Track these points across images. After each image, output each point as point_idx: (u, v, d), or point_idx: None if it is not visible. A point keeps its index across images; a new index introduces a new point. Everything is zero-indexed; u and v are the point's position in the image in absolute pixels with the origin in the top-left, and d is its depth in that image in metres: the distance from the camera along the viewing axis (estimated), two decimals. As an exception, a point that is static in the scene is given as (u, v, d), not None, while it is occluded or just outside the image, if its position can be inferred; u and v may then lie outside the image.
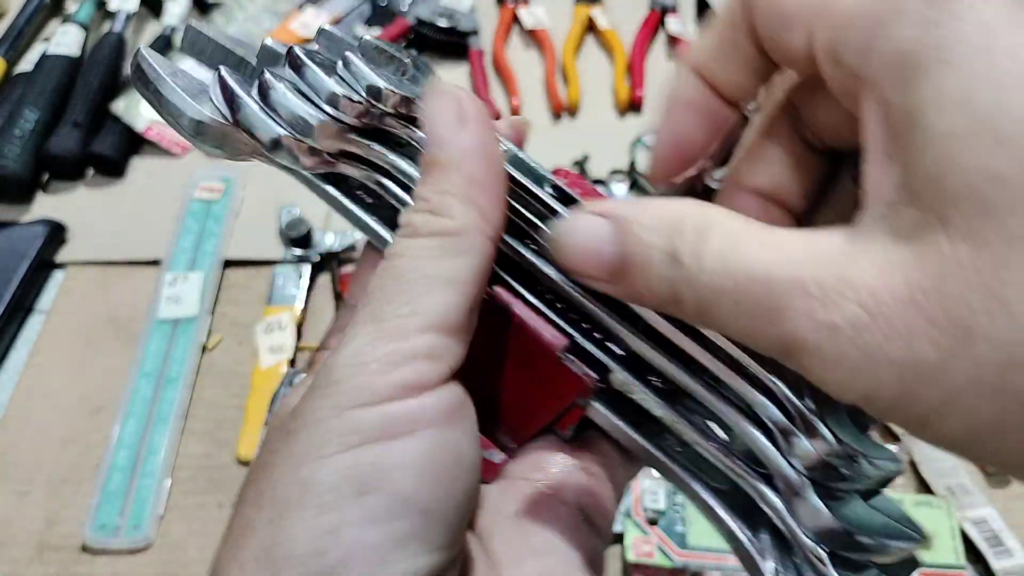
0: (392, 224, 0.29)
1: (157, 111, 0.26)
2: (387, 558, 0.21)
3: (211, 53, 0.29)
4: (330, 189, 0.30)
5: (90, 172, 0.82)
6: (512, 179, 0.26)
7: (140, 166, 0.83)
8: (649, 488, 0.60)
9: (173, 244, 0.75)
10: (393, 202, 0.28)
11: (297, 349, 0.69)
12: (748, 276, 0.19)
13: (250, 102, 0.26)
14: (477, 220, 0.24)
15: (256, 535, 0.22)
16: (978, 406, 0.17)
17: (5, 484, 0.63)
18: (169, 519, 0.61)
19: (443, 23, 0.92)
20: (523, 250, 0.26)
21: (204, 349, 0.70)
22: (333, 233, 0.75)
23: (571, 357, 0.27)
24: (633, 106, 0.88)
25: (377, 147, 0.27)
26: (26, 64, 0.89)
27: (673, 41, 0.94)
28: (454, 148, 0.24)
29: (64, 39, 0.87)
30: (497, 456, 0.29)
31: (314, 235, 0.75)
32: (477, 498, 0.24)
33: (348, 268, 0.75)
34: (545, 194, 0.26)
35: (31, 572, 0.58)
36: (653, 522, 0.58)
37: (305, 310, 0.72)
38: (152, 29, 0.94)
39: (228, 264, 0.75)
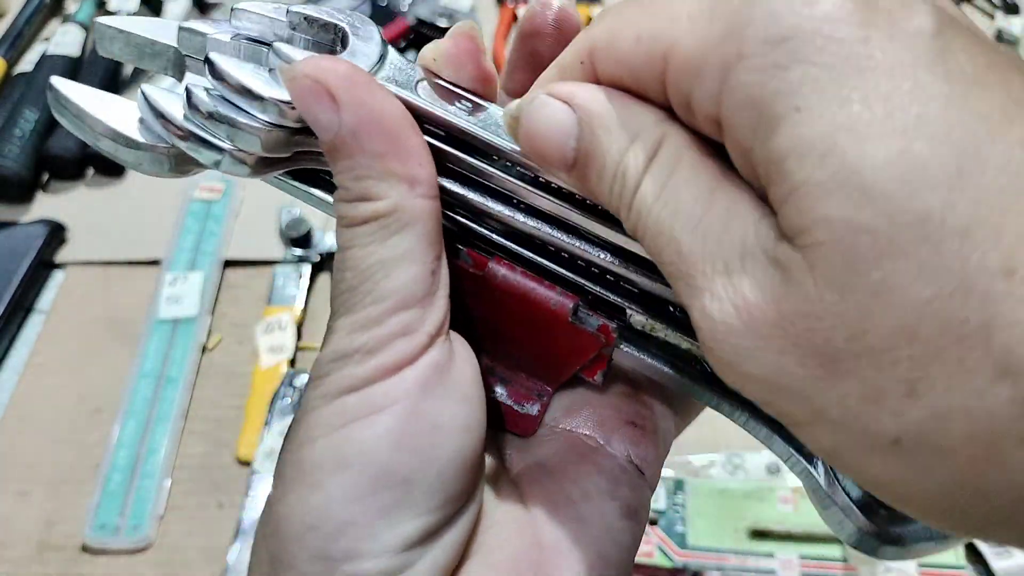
0: None
1: (93, 145, 0.26)
2: (374, 529, 0.22)
3: (127, 50, 0.27)
4: (298, 184, 0.28)
5: (90, 172, 0.82)
6: (432, 118, 0.25)
7: (140, 166, 0.83)
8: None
9: (173, 244, 0.75)
10: None
11: (297, 349, 0.69)
12: (670, 234, 0.20)
13: (184, 123, 0.25)
14: (402, 190, 0.23)
15: (270, 514, 0.24)
16: (841, 428, 0.18)
17: (5, 484, 0.63)
18: (169, 519, 0.61)
19: (443, 23, 0.92)
20: (497, 175, 0.25)
21: (204, 349, 0.70)
22: (333, 233, 0.75)
23: (582, 316, 0.27)
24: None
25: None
26: (26, 64, 0.89)
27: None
28: (342, 130, 0.23)
29: (64, 39, 0.87)
30: (534, 408, 0.29)
31: (314, 235, 0.75)
32: (475, 458, 0.24)
33: (348, 268, 0.75)
34: (464, 119, 0.25)
35: (31, 572, 0.58)
36: (653, 522, 0.58)
37: (305, 310, 0.72)
38: (152, 29, 0.94)
39: (228, 264, 0.75)
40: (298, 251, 0.75)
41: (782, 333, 0.18)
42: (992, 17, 0.96)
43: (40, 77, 0.83)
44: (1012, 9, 0.95)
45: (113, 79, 0.86)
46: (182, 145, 0.25)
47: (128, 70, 0.88)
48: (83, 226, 0.78)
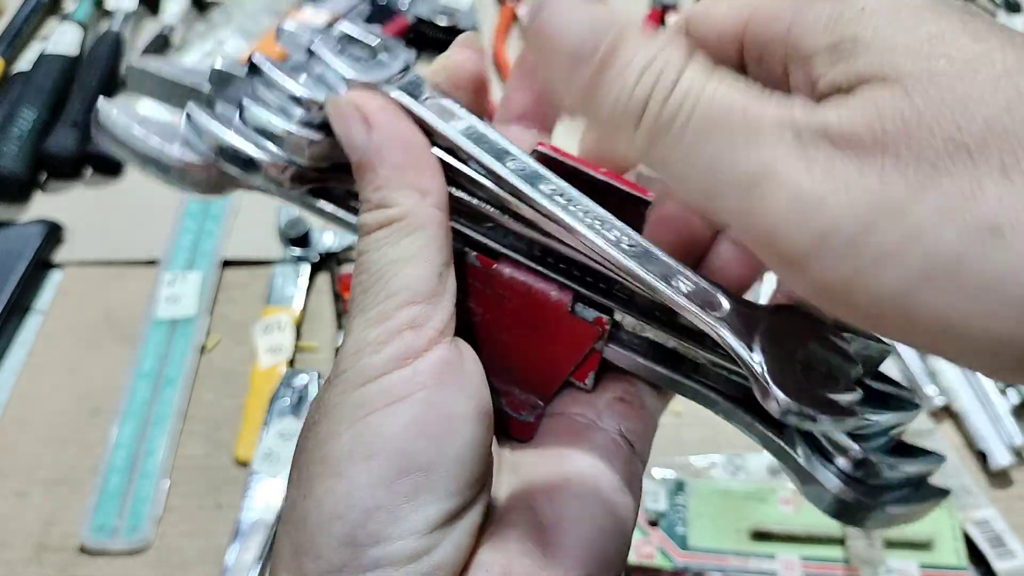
0: None
1: (132, 164, 0.28)
2: (399, 513, 0.24)
3: (158, 89, 0.30)
4: (323, 204, 0.31)
5: (88, 172, 0.82)
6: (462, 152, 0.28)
7: (138, 165, 0.83)
8: (650, 489, 0.59)
9: (171, 244, 0.75)
10: None
11: (296, 349, 0.69)
12: (727, 104, 0.20)
13: (228, 135, 0.27)
14: (415, 199, 0.26)
15: (295, 510, 0.25)
16: (939, 239, 0.18)
17: (3, 485, 0.62)
18: (167, 520, 0.61)
19: (442, 21, 0.92)
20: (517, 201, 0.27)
21: (202, 349, 0.70)
22: (332, 233, 0.75)
23: (579, 309, 0.29)
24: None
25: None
26: (24, 63, 0.88)
27: (673, 40, 0.94)
28: (370, 149, 0.27)
29: (62, 38, 0.87)
30: (530, 416, 0.31)
31: (313, 235, 0.75)
32: (487, 446, 0.26)
33: (347, 268, 0.75)
34: (506, 171, 0.27)
35: (29, 573, 0.58)
36: (654, 523, 0.58)
37: (304, 310, 0.72)
38: (150, 27, 0.94)
39: (226, 264, 0.75)
40: (297, 251, 0.74)
41: (881, 148, 0.19)
42: (993, 16, 0.96)
43: (38, 76, 0.83)
44: (1014, 8, 0.95)
45: (111, 79, 0.86)
46: (225, 164, 0.28)
47: (125, 69, 0.88)
48: (81, 226, 0.78)
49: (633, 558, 0.56)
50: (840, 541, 0.58)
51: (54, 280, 0.75)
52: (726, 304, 0.26)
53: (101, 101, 0.27)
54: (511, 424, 0.30)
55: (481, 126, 0.28)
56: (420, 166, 0.27)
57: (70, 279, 0.75)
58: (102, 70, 0.85)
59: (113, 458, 0.62)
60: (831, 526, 0.57)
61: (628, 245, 0.26)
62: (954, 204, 0.18)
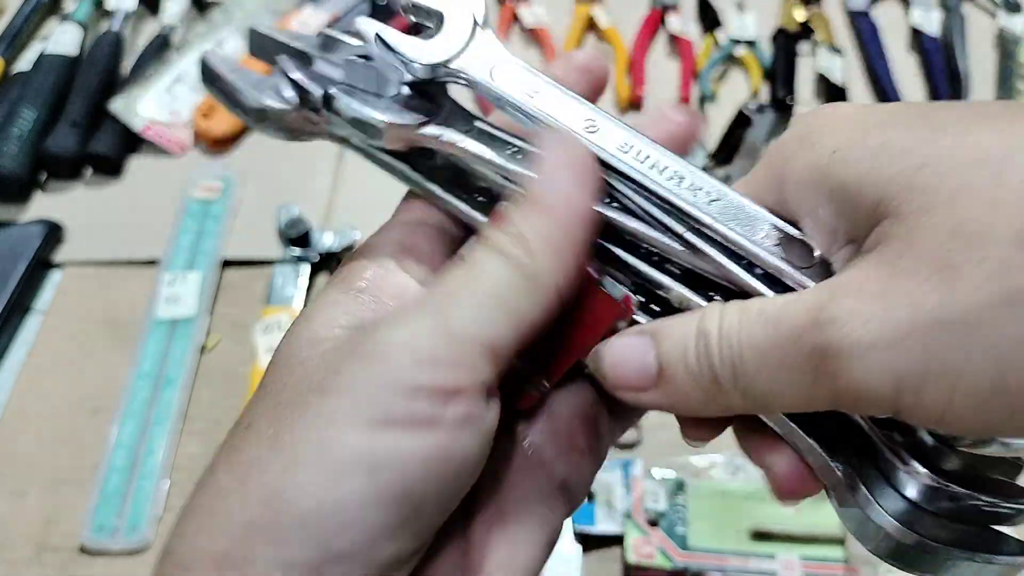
0: (471, 200, 0.29)
1: (226, 106, 0.29)
2: (378, 541, 0.22)
3: (273, 50, 0.31)
4: (405, 168, 0.30)
5: (88, 171, 0.82)
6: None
7: (138, 165, 0.83)
8: (650, 489, 0.59)
9: (171, 244, 0.75)
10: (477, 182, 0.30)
11: (296, 349, 0.69)
12: (776, 320, 0.22)
13: (341, 95, 0.27)
14: (554, 270, 0.24)
15: (267, 475, 0.22)
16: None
17: (3, 485, 0.63)
18: (167, 520, 0.61)
19: (443, 22, 0.92)
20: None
21: (202, 349, 0.70)
22: (332, 233, 0.75)
23: (607, 283, 0.27)
24: (633, 104, 0.87)
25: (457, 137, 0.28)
26: (24, 63, 0.88)
27: (674, 40, 0.94)
28: (560, 195, 0.25)
29: (62, 38, 0.87)
30: (535, 392, 0.29)
31: (313, 235, 0.75)
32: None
33: (347, 268, 0.75)
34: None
35: (29, 573, 0.58)
36: (654, 523, 0.58)
37: (304, 310, 0.72)
38: (150, 27, 0.94)
39: (226, 264, 0.75)
40: (297, 251, 0.74)
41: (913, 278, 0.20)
42: (993, 16, 0.96)
43: (38, 76, 0.83)
44: (1014, 8, 0.95)
45: (111, 79, 0.86)
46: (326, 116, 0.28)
47: (126, 70, 0.88)
48: (81, 226, 0.78)
49: (633, 558, 0.56)
50: (840, 541, 0.57)
51: (54, 280, 0.75)
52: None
53: (208, 54, 0.29)
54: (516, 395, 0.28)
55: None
56: (578, 248, 0.25)
57: (70, 279, 0.75)
58: (102, 70, 0.85)
59: (113, 458, 0.62)
60: (831, 526, 0.57)
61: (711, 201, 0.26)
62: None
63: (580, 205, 0.25)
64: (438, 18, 0.29)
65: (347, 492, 0.22)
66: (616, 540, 0.58)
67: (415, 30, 0.29)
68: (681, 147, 0.28)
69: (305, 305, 0.72)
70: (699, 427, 0.27)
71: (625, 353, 0.25)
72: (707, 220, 0.25)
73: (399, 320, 0.24)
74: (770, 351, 0.22)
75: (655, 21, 0.95)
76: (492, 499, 0.27)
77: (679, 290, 0.26)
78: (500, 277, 0.24)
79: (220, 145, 0.83)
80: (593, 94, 0.30)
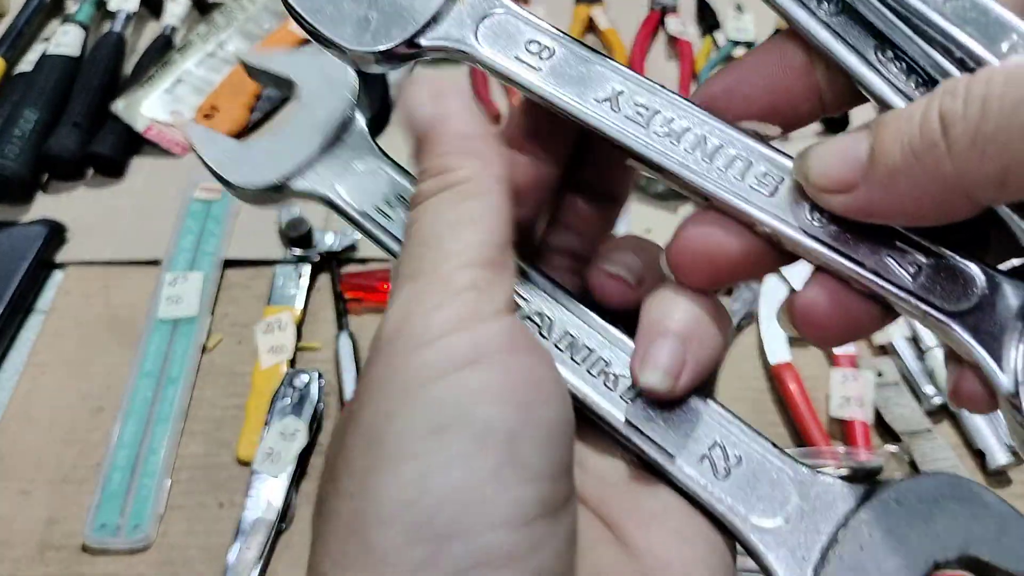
0: None
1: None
2: (485, 493, 0.20)
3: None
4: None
5: (90, 172, 0.82)
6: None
7: (140, 166, 0.83)
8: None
9: (173, 244, 0.75)
10: None
11: (297, 349, 0.69)
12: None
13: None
14: (479, 166, 0.24)
15: (340, 516, 0.21)
16: None
17: (6, 484, 0.63)
18: (169, 519, 0.61)
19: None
20: None
21: (204, 349, 0.70)
22: (333, 233, 0.75)
23: None
24: (633, 106, 0.88)
25: None
26: (26, 64, 0.88)
27: (673, 41, 0.94)
28: (436, 116, 0.25)
29: (64, 39, 0.87)
30: None
31: (314, 235, 0.75)
32: (571, 435, 0.23)
33: (348, 268, 0.75)
34: None
35: (32, 572, 0.58)
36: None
37: (305, 310, 0.72)
38: (152, 29, 0.94)
39: (228, 264, 0.75)
40: (298, 251, 0.75)
41: None
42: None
43: (40, 77, 0.83)
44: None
45: (113, 80, 0.86)
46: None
47: (128, 71, 0.88)
48: (83, 226, 0.78)
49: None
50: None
51: (56, 280, 0.75)
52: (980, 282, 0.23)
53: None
54: None
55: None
56: (488, 138, 0.25)
57: (72, 279, 0.75)
58: (104, 71, 0.85)
59: (115, 457, 0.62)
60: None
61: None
62: None
63: (457, 109, 0.25)
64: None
65: (421, 467, 0.20)
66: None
67: None
68: None
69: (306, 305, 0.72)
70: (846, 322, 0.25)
71: (834, 146, 0.23)
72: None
73: (387, 310, 0.23)
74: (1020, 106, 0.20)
75: (654, 22, 0.95)
76: (626, 497, 0.26)
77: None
78: (441, 207, 0.24)
79: (221, 146, 0.84)
80: None
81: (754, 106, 0.26)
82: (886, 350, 0.70)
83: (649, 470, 0.26)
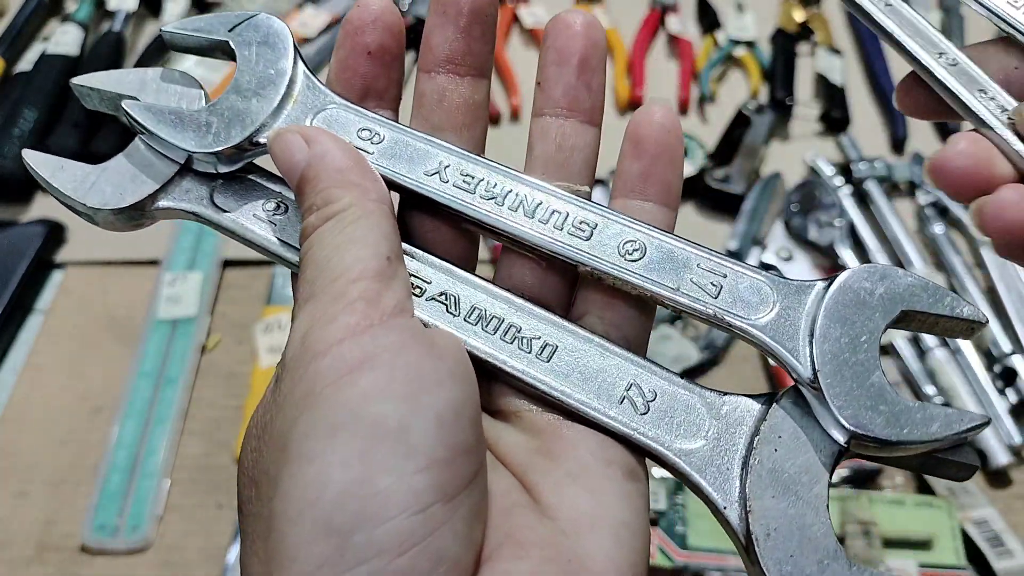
0: None
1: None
2: (380, 486, 0.21)
3: (101, 104, 0.37)
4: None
5: (89, 172, 0.82)
6: None
7: (139, 166, 0.83)
8: (650, 489, 0.59)
9: (172, 244, 0.75)
10: None
11: (296, 349, 0.69)
12: None
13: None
14: (357, 193, 0.27)
15: (261, 518, 0.23)
16: None
17: (4, 484, 0.63)
18: (168, 519, 0.61)
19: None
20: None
21: (203, 349, 0.70)
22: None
23: None
24: (633, 105, 0.87)
25: None
26: (25, 64, 0.88)
27: (673, 40, 0.94)
28: (312, 159, 0.28)
29: (63, 38, 0.87)
30: None
31: (313, 235, 0.75)
32: (472, 416, 0.24)
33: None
34: None
35: (30, 572, 0.58)
36: (653, 523, 0.58)
37: (304, 310, 0.72)
38: (151, 28, 0.94)
39: (227, 264, 0.75)
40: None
41: None
42: (993, 16, 0.96)
43: (39, 76, 0.83)
44: (1013, 8, 0.95)
45: (112, 78, 0.86)
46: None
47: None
48: (82, 226, 0.77)
49: (633, 557, 0.57)
50: (839, 540, 0.58)
51: (55, 280, 0.75)
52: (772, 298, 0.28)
53: (25, 152, 0.34)
54: None
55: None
56: (361, 169, 0.28)
57: (71, 279, 0.75)
58: (103, 70, 0.85)
59: (114, 457, 0.62)
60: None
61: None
62: None
63: (328, 148, 0.28)
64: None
65: (321, 467, 0.22)
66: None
67: None
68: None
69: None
70: None
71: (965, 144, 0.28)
72: None
73: (289, 335, 0.26)
74: None
75: (655, 22, 0.95)
76: (546, 462, 0.27)
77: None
78: (328, 235, 0.26)
79: (221, 145, 0.84)
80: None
81: None
82: (886, 350, 0.70)
83: (577, 420, 0.28)
